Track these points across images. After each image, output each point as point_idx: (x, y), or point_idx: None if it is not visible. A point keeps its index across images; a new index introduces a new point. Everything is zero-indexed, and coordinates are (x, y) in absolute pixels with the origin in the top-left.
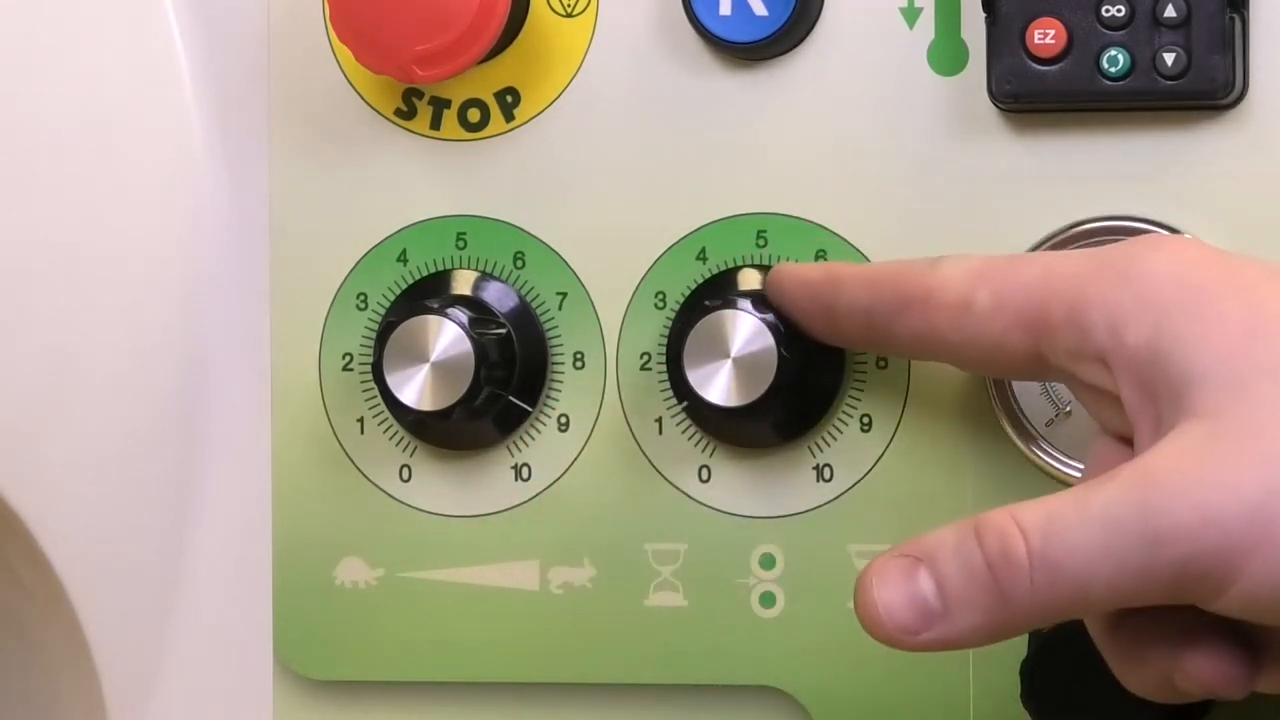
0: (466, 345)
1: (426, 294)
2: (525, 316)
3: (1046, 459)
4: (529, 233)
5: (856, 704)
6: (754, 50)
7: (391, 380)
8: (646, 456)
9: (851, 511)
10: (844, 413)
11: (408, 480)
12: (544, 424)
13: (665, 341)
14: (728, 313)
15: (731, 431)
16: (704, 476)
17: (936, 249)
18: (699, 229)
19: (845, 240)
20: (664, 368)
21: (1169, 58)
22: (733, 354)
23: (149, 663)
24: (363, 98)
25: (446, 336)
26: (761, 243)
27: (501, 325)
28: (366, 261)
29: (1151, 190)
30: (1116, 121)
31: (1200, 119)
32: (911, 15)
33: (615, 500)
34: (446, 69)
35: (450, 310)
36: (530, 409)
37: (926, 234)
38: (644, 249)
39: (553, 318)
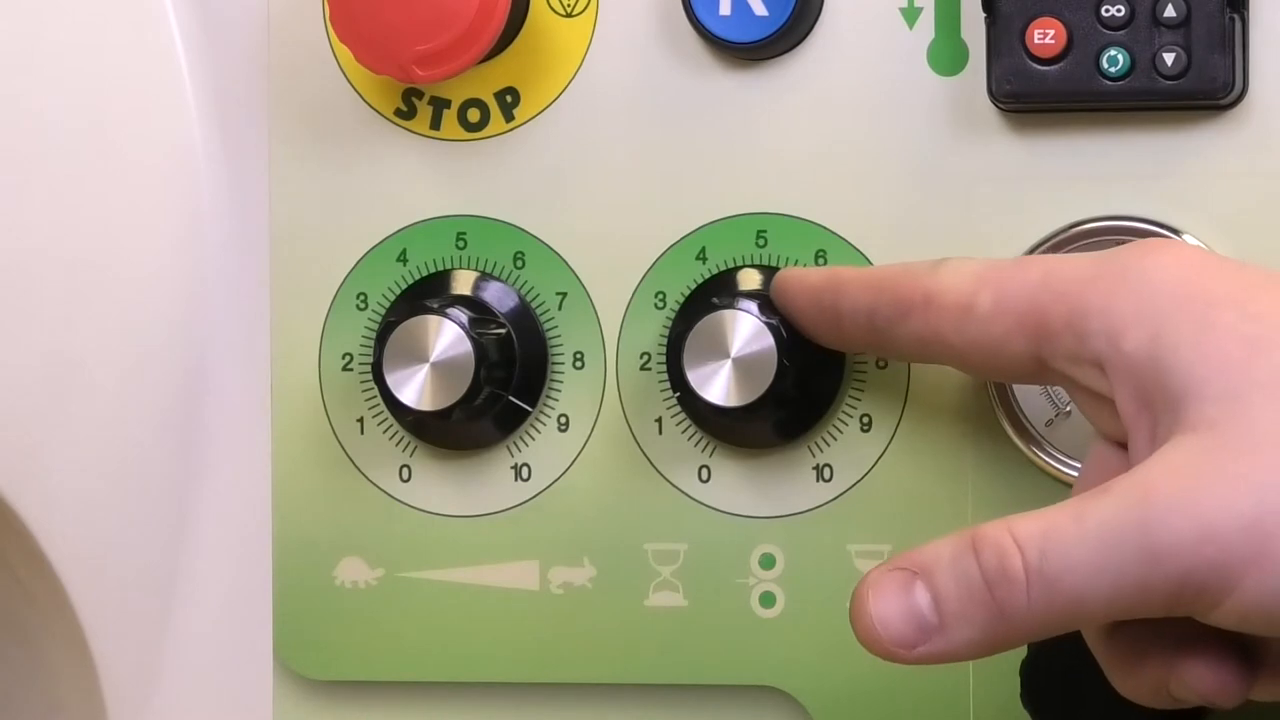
0: (466, 345)
1: (426, 294)
2: (525, 316)
3: (1046, 459)
4: (529, 233)
5: (856, 704)
6: (754, 50)
7: (391, 380)
8: (646, 456)
9: (851, 511)
10: (844, 413)
11: (408, 480)
12: (544, 424)
13: (665, 341)
14: (727, 313)
15: (731, 431)
16: (704, 476)
17: (936, 249)
18: (699, 229)
19: (845, 240)
20: (664, 368)
21: (1169, 58)
22: (732, 354)
23: (149, 663)
24: (363, 98)
25: (446, 336)
26: (761, 243)
27: (501, 325)
28: (366, 261)
29: (1151, 190)
30: (1116, 121)
31: (1200, 119)
32: (911, 15)
33: (615, 500)
34: (446, 69)
35: (450, 310)
36: (530, 409)
37: (926, 234)
38: (644, 249)
39: (553, 318)
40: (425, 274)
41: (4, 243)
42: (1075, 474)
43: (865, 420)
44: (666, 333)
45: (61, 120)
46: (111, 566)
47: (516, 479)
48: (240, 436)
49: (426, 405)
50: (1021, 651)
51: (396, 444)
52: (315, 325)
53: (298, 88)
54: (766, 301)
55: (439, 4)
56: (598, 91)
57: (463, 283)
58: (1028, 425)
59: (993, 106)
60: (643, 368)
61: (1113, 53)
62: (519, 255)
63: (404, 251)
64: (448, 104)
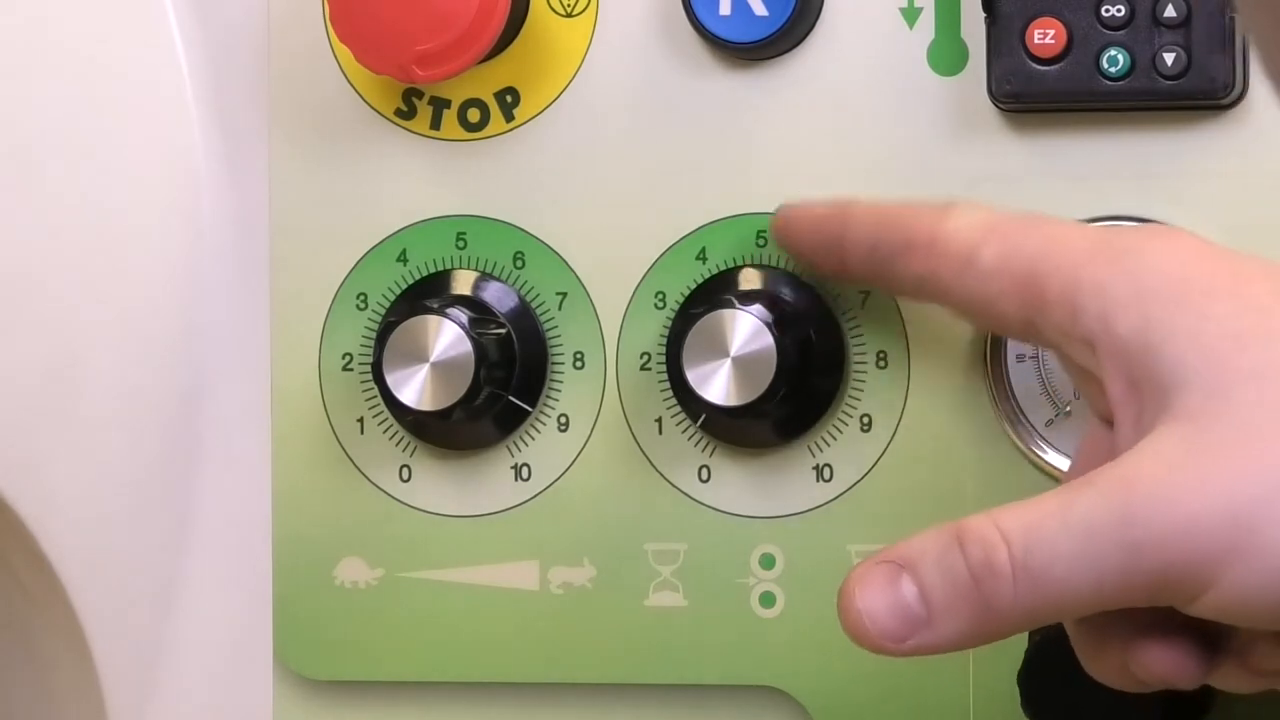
0: (466, 345)
1: (426, 294)
2: (525, 316)
3: (1046, 459)
4: (529, 233)
5: (856, 704)
6: (754, 50)
7: (391, 380)
8: (646, 456)
9: (851, 511)
10: (844, 413)
11: (408, 480)
12: (544, 424)
13: (665, 341)
14: (727, 313)
15: (731, 431)
16: (704, 476)
17: None
18: (699, 229)
19: None
20: (664, 368)
21: (1169, 58)
22: (732, 354)
23: (149, 663)
24: (363, 98)
25: (446, 336)
26: (761, 243)
27: (501, 325)
28: (366, 261)
29: (1151, 190)
30: (1116, 121)
31: (1200, 119)
32: (911, 15)
33: (615, 500)
34: (446, 69)
35: (450, 310)
36: (530, 409)
37: None
38: (644, 249)
39: (553, 318)
40: (425, 274)
41: (4, 243)
42: None
43: (865, 420)
44: (666, 333)
45: (61, 120)
46: (111, 566)
47: (516, 479)
48: (240, 436)
49: (426, 405)
50: (1020, 657)
51: (396, 444)
52: (315, 325)
53: (298, 88)
54: (767, 301)
55: (439, 4)
56: (598, 91)
57: (463, 283)
58: (1028, 425)
59: (993, 106)
60: (643, 368)
61: (1113, 53)
62: (519, 255)
63: (404, 251)
64: (448, 104)
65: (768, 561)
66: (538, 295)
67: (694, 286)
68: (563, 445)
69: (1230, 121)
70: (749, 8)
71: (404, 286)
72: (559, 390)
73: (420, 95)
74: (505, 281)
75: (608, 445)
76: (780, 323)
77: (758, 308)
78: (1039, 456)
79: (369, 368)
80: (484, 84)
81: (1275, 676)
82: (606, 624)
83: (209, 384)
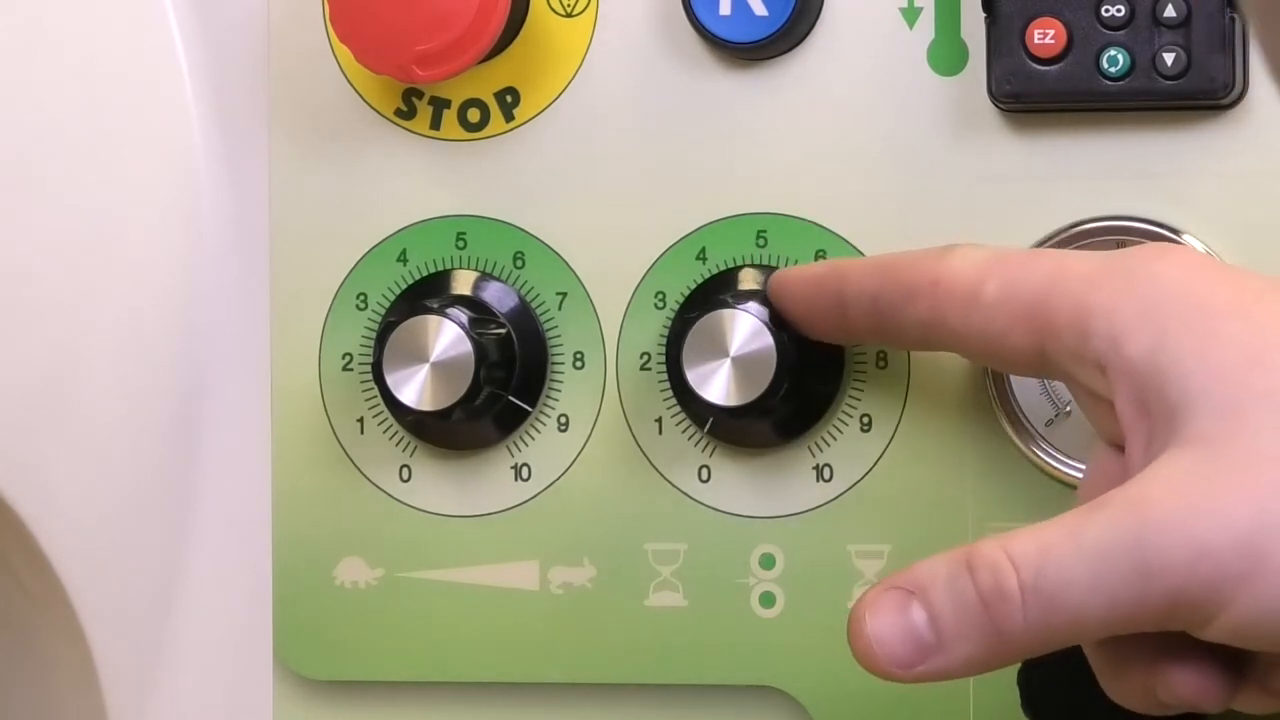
0: (466, 345)
1: (426, 294)
2: (525, 316)
3: (1046, 459)
4: (529, 233)
5: (856, 704)
6: (754, 50)
7: (391, 380)
8: (646, 456)
9: (851, 511)
10: (844, 413)
11: (408, 480)
12: (544, 424)
13: (665, 341)
14: (727, 313)
15: (731, 431)
16: (704, 476)
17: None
18: (699, 229)
19: (845, 240)
20: (664, 368)
21: (1169, 58)
22: (732, 354)
23: (149, 663)
24: (363, 98)
25: (446, 336)
26: (761, 243)
27: (501, 325)
28: (366, 261)
29: (1151, 190)
30: (1116, 121)
31: (1200, 119)
32: (911, 15)
33: (615, 500)
34: (446, 69)
35: (450, 310)
36: (530, 409)
37: (926, 234)
38: (644, 249)
39: (553, 318)
40: (425, 274)
41: (4, 243)
42: (1075, 474)
43: (865, 420)
44: (666, 333)
45: (61, 121)
46: (111, 566)
47: (516, 479)
48: (240, 436)
49: (426, 405)
50: None
51: (396, 444)
52: (315, 325)
53: (298, 88)
54: (767, 301)
55: (439, 4)
56: (598, 91)
57: (463, 283)
58: (1028, 425)
59: (993, 106)
60: (643, 368)
61: (1113, 53)
62: (519, 255)
63: (404, 251)
64: (448, 104)
65: (768, 561)
66: (538, 295)
67: (694, 286)
68: (563, 445)
69: (1230, 121)
70: (749, 8)
71: (404, 286)
72: (559, 390)
73: (420, 95)
74: (505, 281)
75: (608, 445)
76: (780, 322)
77: (757, 307)
78: (1039, 456)
79: (369, 368)
80: (484, 84)
81: None
82: (606, 624)
83: (209, 384)
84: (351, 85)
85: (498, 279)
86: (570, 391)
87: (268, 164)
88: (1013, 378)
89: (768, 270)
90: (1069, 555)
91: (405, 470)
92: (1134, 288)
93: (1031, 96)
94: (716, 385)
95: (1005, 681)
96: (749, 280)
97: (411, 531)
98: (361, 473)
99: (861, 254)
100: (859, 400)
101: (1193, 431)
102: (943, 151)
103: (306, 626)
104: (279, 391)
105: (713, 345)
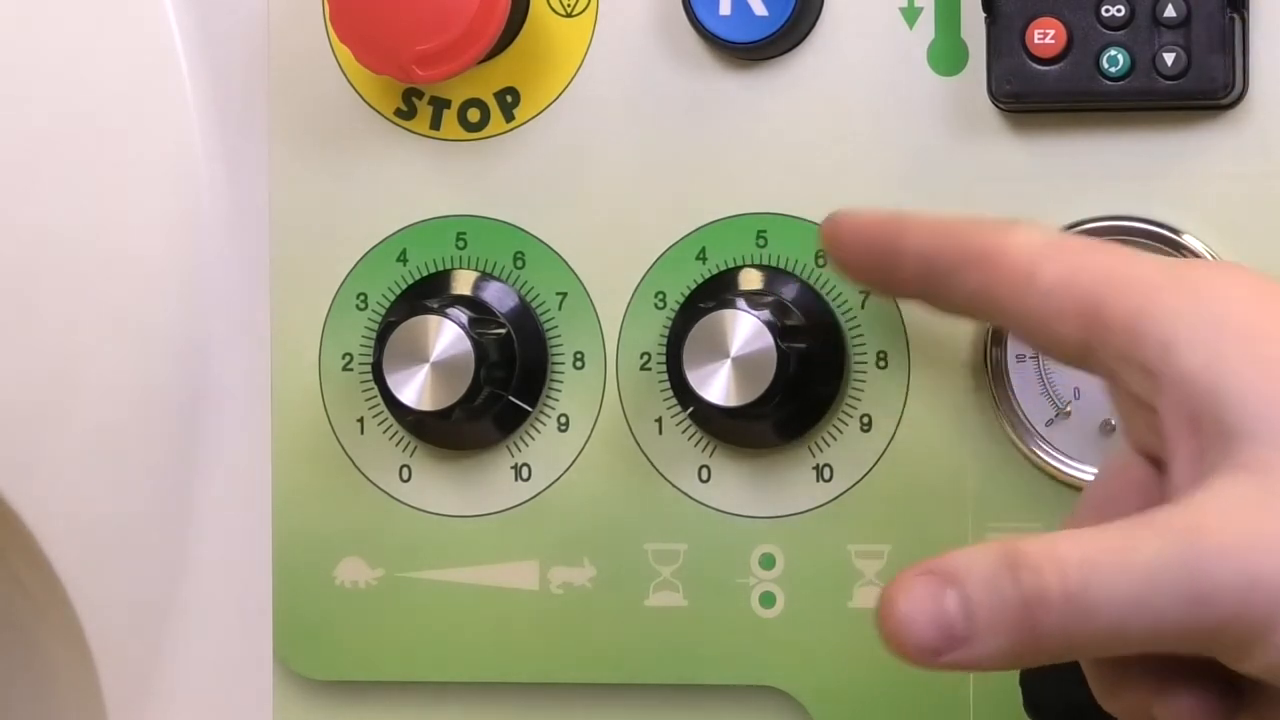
0: (466, 345)
1: (426, 294)
2: (525, 316)
3: (1046, 459)
4: (529, 233)
5: (856, 704)
6: (754, 50)
7: (391, 380)
8: (646, 456)
9: (851, 511)
10: (844, 413)
11: (408, 480)
12: (544, 424)
13: (665, 341)
14: (727, 313)
15: (731, 431)
16: (704, 476)
17: None
18: (699, 229)
19: None
20: (664, 368)
21: (1169, 58)
22: (732, 354)
23: (149, 663)
24: (363, 98)
25: (446, 336)
26: (761, 243)
27: (501, 325)
28: (366, 261)
29: (1151, 190)
30: (1116, 121)
31: (1200, 119)
32: (911, 15)
33: (615, 500)
34: (446, 69)
35: (450, 310)
36: (530, 409)
37: None
38: (644, 249)
39: (553, 318)
40: (425, 274)
41: (4, 243)
42: (1075, 474)
43: (865, 420)
44: (666, 333)
45: (61, 121)
46: (111, 567)
47: (516, 479)
48: (240, 436)
49: (426, 405)
50: None
51: (396, 444)
52: (315, 325)
53: (298, 88)
54: (767, 301)
55: (439, 4)
56: (598, 91)
57: (463, 283)
58: (1028, 425)
59: (993, 106)
60: (643, 368)
61: (1113, 53)
62: (519, 255)
63: (404, 251)
64: (448, 104)
65: (768, 561)
66: (538, 295)
67: (694, 286)
68: (563, 445)
69: (1230, 121)
70: (749, 8)
71: (404, 286)
72: (559, 390)
73: (420, 95)
74: (505, 281)
75: (608, 445)
76: (780, 323)
77: (758, 308)
78: (1039, 456)
79: (369, 368)
80: (484, 84)
81: None
82: (606, 624)
83: (209, 384)
84: (351, 85)
85: (498, 279)
86: (570, 391)
87: (268, 164)
88: (1013, 378)
89: (768, 270)
90: (1118, 570)
91: (405, 470)
92: (1196, 300)
93: (1031, 96)
94: (717, 385)
95: (1005, 681)
96: (749, 280)
97: (411, 531)
98: (361, 473)
99: None
100: (859, 400)
101: (1250, 458)
102: (943, 151)
103: (306, 626)
104: (279, 391)
105: (713, 345)
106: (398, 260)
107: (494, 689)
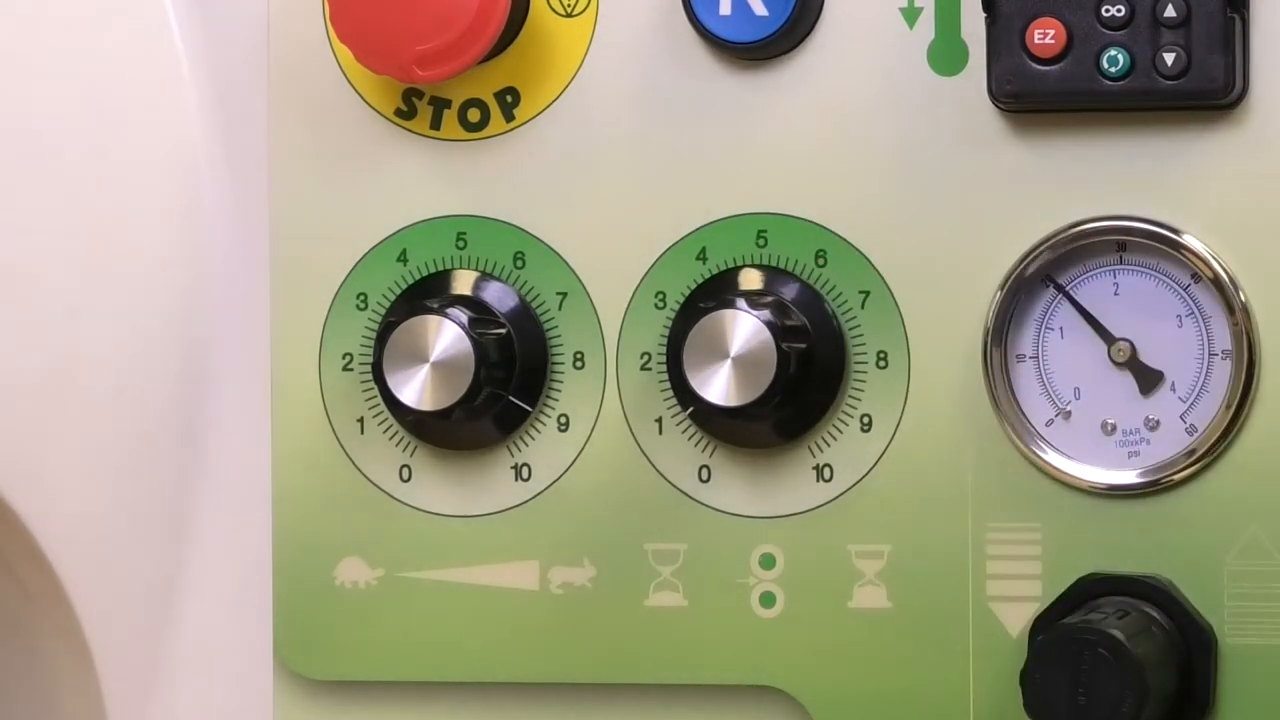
0: (466, 345)
1: (426, 294)
2: (525, 316)
3: (1046, 459)
4: (529, 233)
5: (856, 704)
6: (754, 50)
7: (391, 380)
8: (646, 456)
9: (851, 511)
10: (844, 413)
11: (408, 480)
12: (544, 424)
13: (665, 341)
14: (728, 313)
15: (731, 431)
16: (704, 476)
17: (936, 249)
18: (699, 229)
19: (845, 240)
20: (664, 368)
21: (1169, 58)
22: (732, 354)
23: (149, 663)
24: (363, 98)
25: (446, 336)
26: (761, 243)
27: (501, 325)
28: (366, 261)
29: (1151, 190)
30: (1116, 121)
31: (1200, 119)
32: (911, 15)
33: (615, 500)
34: (446, 69)
35: (450, 310)
36: (530, 409)
37: (926, 234)
38: (644, 249)
39: (553, 318)
40: (425, 274)
41: (4, 243)
42: (1075, 474)
43: (865, 420)
44: (666, 333)
45: (62, 121)
46: (111, 566)
47: (516, 479)
48: (240, 436)
49: (426, 405)
50: (1021, 651)
51: (396, 444)
52: (315, 325)
53: (298, 88)
54: (767, 301)
55: (439, 4)
56: (598, 91)
57: (463, 283)
58: (1028, 425)
59: (993, 106)
60: (643, 368)
61: (1113, 53)
62: (519, 255)
63: (404, 251)
64: (448, 104)
65: (768, 561)
66: (538, 295)
67: (694, 286)
68: (563, 445)
69: (1230, 121)
70: (749, 8)
71: (404, 286)
72: (559, 390)
73: (420, 95)
74: (505, 281)
75: (608, 445)
76: (780, 323)
77: (758, 308)
78: (1039, 456)
79: (369, 368)
80: (484, 84)
81: None
82: (606, 624)
83: (209, 384)
84: (351, 85)
85: (498, 279)
86: (570, 391)
87: (268, 164)
88: (1013, 378)
89: (768, 270)
90: None
91: (405, 470)
92: None
93: (1031, 96)
94: (717, 385)
95: (1005, 682)
96: (749, 280)
97: (411, 531)
98: (361, 473)
99: (862, 254)
100: (859, 400)
101: None
102: (943, 151)
103: (306, 626)
104: (279, 391)
105: (713, 345)
106: (398, 260)
107: (494, 689)
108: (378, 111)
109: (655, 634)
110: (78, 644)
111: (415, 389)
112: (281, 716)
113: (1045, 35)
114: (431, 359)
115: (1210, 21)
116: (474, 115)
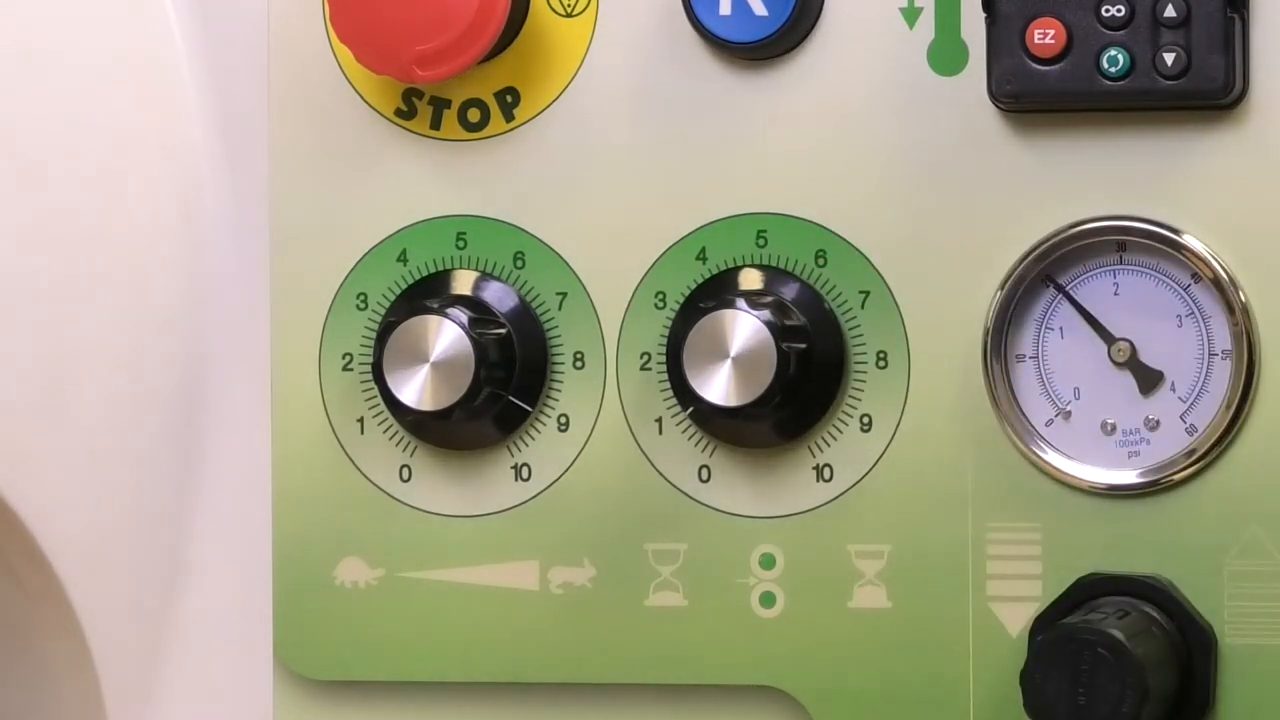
0: (466, 345)
1: (426, 294)
2: (525, 316)
3: (1046, 459)
4: (529, 233)
5: (856, 704)
6: (754, 50)
7: (391, 380)
8: (646, 456)
9: (851, 511)
10: (844, 413)
11: (408, 480)
12: (544, 424)
13: (665, 341)
14: (727, 313)
15: (731, 431)
16: (704, 476)
17: (936, 249)
18: (699, 229)
19: (845, 240)
20: (664, 368)
21: (1169, 58)
22: (732, 354)
23: (149, 663)
24: (363, 98)
25: (446, 336)
26: (761, 243)
27: (501, 325)
28: (366, 261)
29: (1151, 190)
30: (1116, 121)
31: (1200, 119)
32: (911, 15)
33: (615, 500)
34: (446, 69)
35: (450, 310)
36: (530, 409)
37: (926, 234)
38: (644, 249)
39: (553, 318)
40: (425, 274)
41: (4, 243)
42: (1075, 474)
43: (865, 420)
44: (666, 333)
45: (61, 120)
46: (111, 566)
47: (516, 479)
48: (240, 436)
49: (426, 405)
50: (1021, 651)
51: (396, 444)
52: (315, 325)
53: (298, 88)
54: (767, 302)
55: (439, 4)
56: (598, 91)
57: (463, 283)
58: (1028, 425)
59: (993, 106)
60: (643, 368)
61: (1113, 53)
62: (519, 255)
63: (404, 251)
64: (448, 104)
65: (768, 561)
66: (538, 295)
67: (694, 286)
68: (563, 445)
69: (1230, 121)
70: (749, 8)
71: (404, 286)
72: (559, 390)
73: (420, 95)
74: (505, 281)
75: (608, 445)
76: (780, 323)
77: (758, 308)
78: (1039, 456)
79: (369, 368)
80: (484, 84)
81: None
82: (606, 624)
83: (209, 384)
84: (351, 85)
85: (498, 279)
86: (570, 391)
87: (268, 164)
88: (1013, 378)
89: (768, 270)
90: None
91: (405, 470)
92: None
93: (1031, 96)
94: (717, 385)
95: (1005, 681)
96: (749, 280)
97: (411, 531)
98: (361, 473)
99: (862, 254)
100: (859, 400)
101: None
102: (943, 151)
103: (306, 626)
104: (279, 391)
105: (713, 345)
106: (398, 260)
107: (494, 689)
108: (378, 111)
109: (655, 634)
110: (78, 644)
111: (415, 389)
112: (281, 716)
113: (1045, 35)
114: (431, 359)
115: (1210, 21)
116: (474, 115)
